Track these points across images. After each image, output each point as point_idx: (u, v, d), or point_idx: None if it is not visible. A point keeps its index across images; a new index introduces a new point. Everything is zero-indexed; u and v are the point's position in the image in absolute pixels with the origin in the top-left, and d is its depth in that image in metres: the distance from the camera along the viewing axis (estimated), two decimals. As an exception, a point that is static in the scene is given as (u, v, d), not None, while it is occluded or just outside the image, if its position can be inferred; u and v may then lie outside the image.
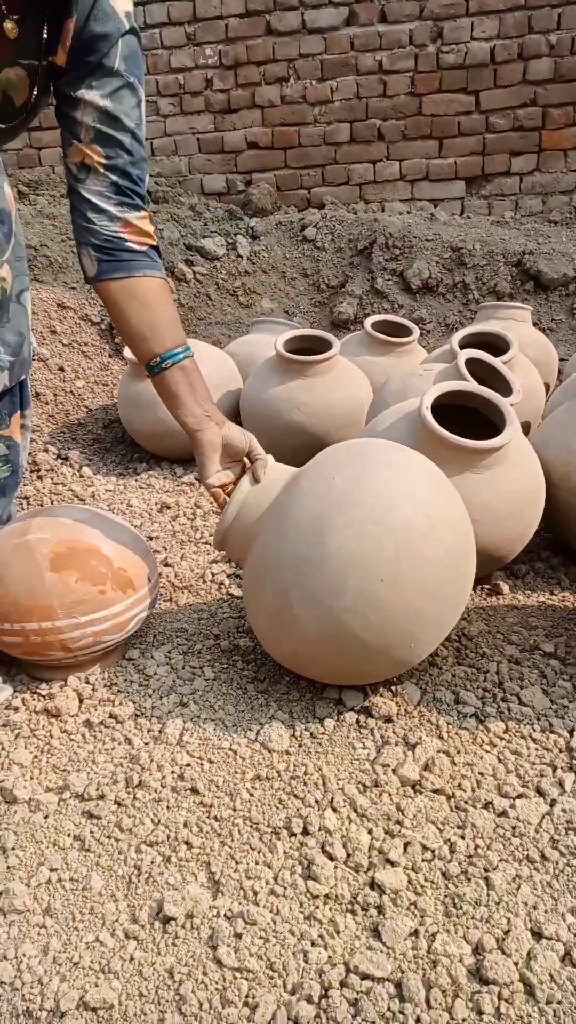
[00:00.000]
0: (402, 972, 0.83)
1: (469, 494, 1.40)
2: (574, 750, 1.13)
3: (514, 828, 1.00)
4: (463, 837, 0.99)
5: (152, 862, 0.98)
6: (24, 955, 0.87)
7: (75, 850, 1.02)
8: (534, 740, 1.17)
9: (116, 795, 1.09)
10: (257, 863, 0.97)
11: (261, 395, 2.44)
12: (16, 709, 1.31)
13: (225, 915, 0.90)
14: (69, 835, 1.04)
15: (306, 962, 0.84)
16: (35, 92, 1.10)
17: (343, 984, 0.82)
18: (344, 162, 4.31)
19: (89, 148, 1.13)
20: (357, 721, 1.23)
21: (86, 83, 1.09)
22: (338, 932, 0.88)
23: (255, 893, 0.93)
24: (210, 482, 1.27)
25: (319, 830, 1.01)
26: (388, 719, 1.23)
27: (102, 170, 1.15)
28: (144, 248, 1.21)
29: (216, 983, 0.83)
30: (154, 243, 1.23)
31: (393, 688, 1.30)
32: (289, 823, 1.03)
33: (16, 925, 0.91)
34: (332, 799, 1.06)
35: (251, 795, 1.08)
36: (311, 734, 1.20)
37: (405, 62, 4.06)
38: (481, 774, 1.10)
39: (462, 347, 2.03)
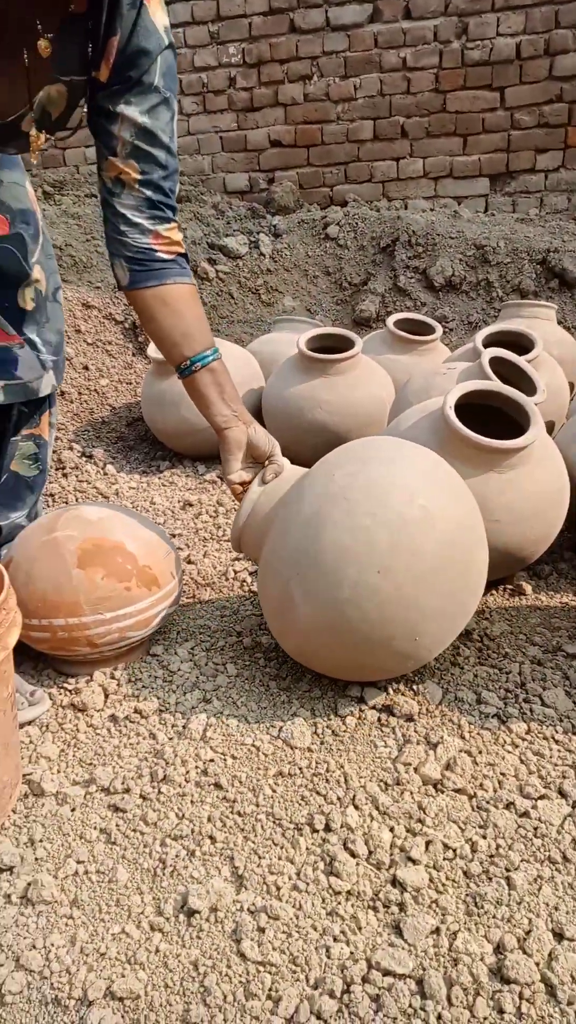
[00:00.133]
0: (423, 969, 0.83)
1: (493, 494, 1.40)
2: (597, 752, 1.13)
3: (536, 829, 1.00)
4: (484, 837, 1.00)
5: (177, 856, 1.00)
6: (52, 945, 0.89)
7: (101, 843, 1.03)
8: (556, 741, 1.17)
9: (141, 789, 1.11)
10: (280, 859, 0.98)
11: (283, 393, 2.45)
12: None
13: (249, 909, 0.91)
14: (95, 828, 1.06)
15: (328, 957, 0.85)
16: (74, 107, 1.13)
17: (365, 980, 0.83)
18: (367, 160, 4.31)
19: (125, 164, 1.15)
20: (379, 719, 1.24)
21: (125, 98, 1.11)
22: (360, 928, 0.89)
23: (278, 888, 0.94)
24: (232, 478, 1.31)
25: (341, 827, 1.02)
26: (410, 718, 1.23)
27: (137, 186, 1.17)
28: (173, 256, 1.24)
29: (240, 976, 0.84)
30: (182, 251, 1.26)
31: (415, 687, 1.30)
32: (311, 820, 1.04)
33: (44, 916, 0.93)
34: (354, 796, 1.07)
35: (274, 791, 1.10)
36: (333, 731, 1.21)
37: (429, 59, 4.04)
38: (503, 774, 1.10)
39: (486, 346, 2.03)
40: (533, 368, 1.85)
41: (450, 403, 1.42)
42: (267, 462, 1.32)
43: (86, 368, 3.19)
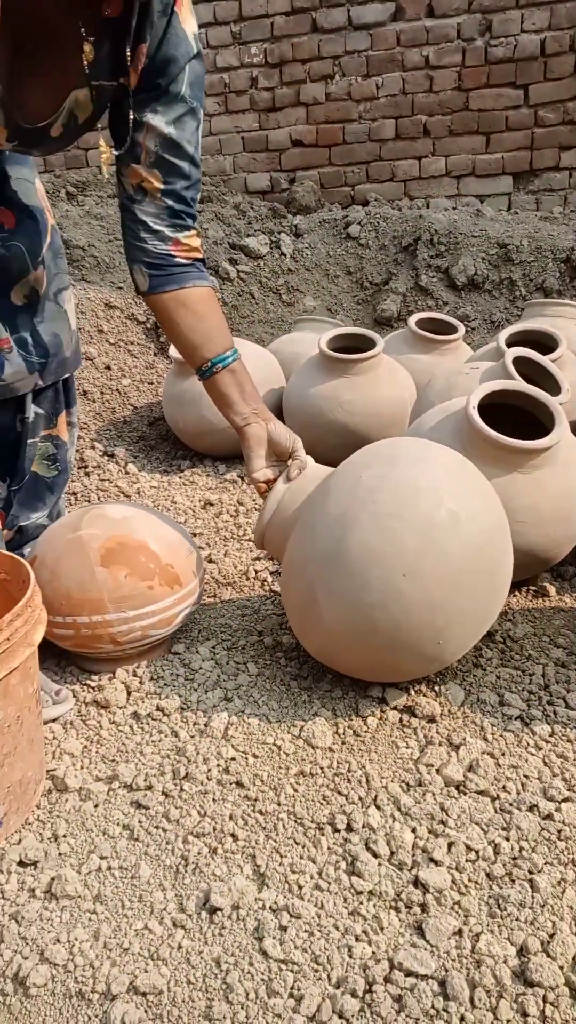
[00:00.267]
0: (446, 971, 0.83)
1: (516, 495, 1.39)
2: (622, 755, 1.12)
3: (559, 832, 0.99)
4: (508, 839, 0.99)
5: (199, 853, 1.00)
6: (76, 939, 0.90)
7: (124, 839, 1.04)
8: (580, 744, 1.16)
9: (163, 786, 1.12)
10: (301, 858, 0.99)
11: (304, 393, 2.45)
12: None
13: (270, 908, 0.92)
14: (118, 824, 1.07)
15: (350, 957, 0.85)
16: (100, 112, 1.13)
17: (387, 980, 0.83)
18: (389, 159, 4.29)
19: (148, 172, 1.16)
20: (400, 720, 1.23)
21: (151, 107, 1.11)
22: (382, 928, 0.89)
23: (300, 887, 0.94)
24: (255, 476, 1.31)
25: (363, 827, 1.02)
26: (432, 719, 1.23)
27: (159, 195, 1.18)
28: (191, 261, 1.25)
29: (262, 974, 0.84)
30: (200, 256, 1.27)
31: (436, 688, 1.30)
32: (333, 819, 1.04)
33: (68, 910, 0.94)
34: (376, 797, 1.07)
35: (295, 790, 1.10)
36: (354, 732, 1.21)
37: (452, 57, 4.02)
38: (526, 777, 1.10)
39: (509, 345, 2.01)
40: (557, 368, 1.83)
41: (473, 403, 1.41)
42: (290, 458, 1.31)
43: (108, 368, 3.22)
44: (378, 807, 1.05)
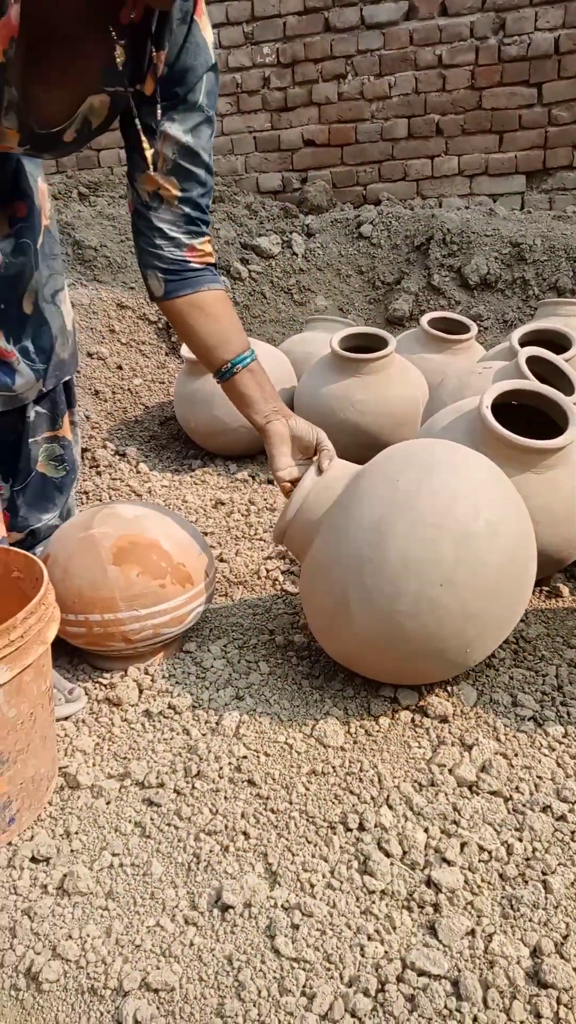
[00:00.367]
0: (459, 971, 0.83)
1: (530, 495, 1.38)
2: None
3: (573, 833, 0.99)
4: (521, 840, 0.99)
5: (211, 851, 1.00)
6: (88, 935, 0.90)
7: (136, 836, 1.04)
8: (594, 745, 1.15)
9: (175, 784, 1.12)
10: (313, 856, 0.98)
11: (316, 393, 2.45)
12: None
13: (282, 906, 0.92)
14: (130, 821, 1.07)
15: (363, 956, 0.85)
16: (114, 118, 1.13)
17: (400, 979, 0.82)
18: (401, 158, 4.28)
19: (165, 180, 1.16)
20: (412, 720, 1.23)
21: (168, 115, 1.11)
22: (394, 928, 0.88)
23: (312, 886, 0.94)
24: (281, 475, 1.27)
25: (375, 826, 1.02)
26: (444, 719, 1.22)
27: (176, 203, 1.18)
28: (204, 265, 1.25)
29: (274, 972, 0.84)
30: (213, 261, 1.27)
31: (449, 688, 1.29)
32: (345, 818, 1.04)
33: (80, 907, 0.94)
34: (388, 796, 1.07)
35: (307, 789, 1.10)
36: (366, 731, 1.21)
37: (465, 55, 4.00)
38: (539, 777, 1.09)
39: (522, 344, 2.01)
40: (571, 367, 1.82)
41: (487, 402, 1.40)
42: (316, 452, 1.29)
43: (120, 368, 3.22)
44: (390, 807, 1.05)
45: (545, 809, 1.03)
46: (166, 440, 2.98)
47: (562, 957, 0.83)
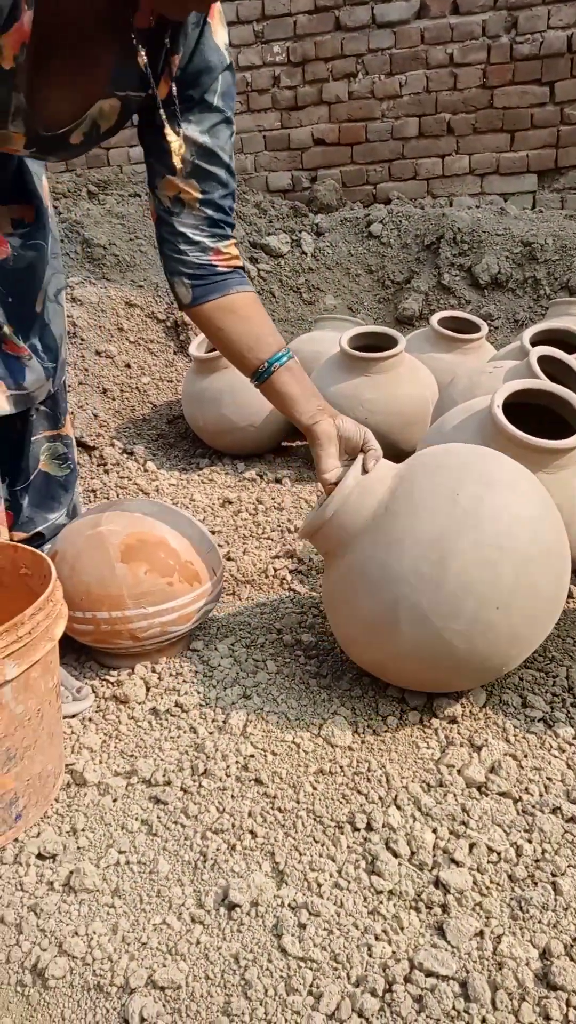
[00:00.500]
0: (467, 972, 0.82)
1: (540, 494, 1.37)
2: None
3: (583, 835, 0.98)
4: (530, 841, 0.98)
5: (217, 849, 1.00)
6: (94, 932, 0.90)
7: (142, 834, 1.04)
8: (604, 747, 1.14)
9: (182, 782, 1.12)
10: (321, 856, 0.98)
11: (325, 392, 2.44)
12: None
13: (290, 905, 0.91)
14: (137, 819, 1.07)
15: (370, 956, 0.85)
16: (124, 122, 1.12)
17: (407, 980, 0.82)
18: (412, 157, 4.27)
19: (186, 183, 1.14)
20: (421, 720, 1.22)
21: (184, 118, 1.09)
22: (402, 928, 0.88)
23: (319, 885, 0.94)
24: (327, 477, 1.20)
25: (383, 827, 1.01)
26: (453, 720, 1.22)
27: (198, 205, 1.16)
28: (232, 269, 1.23)
29: (281, 971, 0.84)
30: (240, 264, 1.24)
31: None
32: (353, 818, 1.03)
33: (86, 904, 0.94)
34: (396, 796, 1.06)
35: (314, 788, 1.09)
36: (374, 731, 1.20)
37: (477, 54, 3.99)
38: (549, 779, 1.08)
39: (533, 344, 1.99)
40: (582, 366, 1.81)
41: (498, 402, 1.39)
42: (362, 451, 1.22)
43: (128, 366, 3.23)
44: (398, 807, 1.05)
45: (555, 811, 1.02)
46: (174, 439, 2.98)
47: (571, 959, 0.83)
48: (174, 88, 1.06)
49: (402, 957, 0.84)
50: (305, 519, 1.28)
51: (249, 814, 1.05)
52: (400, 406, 2.37)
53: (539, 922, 0.87)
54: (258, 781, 1.11)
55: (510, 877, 0.93)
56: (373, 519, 1.15)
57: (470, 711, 1.24)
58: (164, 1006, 0.82)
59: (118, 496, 2.37)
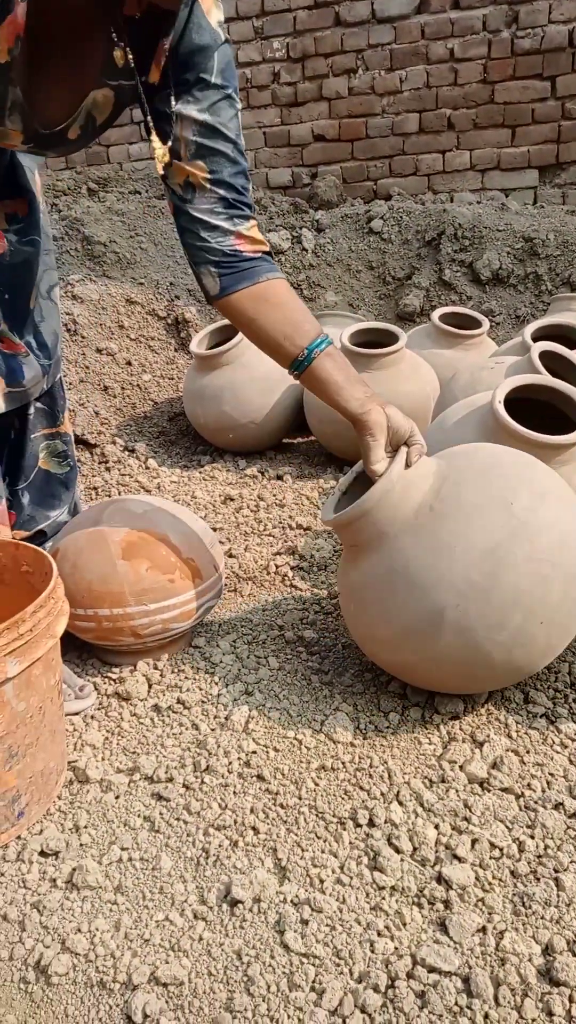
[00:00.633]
0: (470, 968, 0.82)
1: (542, 490, 1.37)
2: None
3: (586, 831, 0.98)
4: (532, 837, 0.98)
5: (220, 846, 1.00)
6: (97, 929, 0.90)
7: (145, 831, 1.04)
8: (607, 742, 1.14)
9: (184, 779, 1.12)
10: (323, 852, 0.98)
11: (326, 388, 2.43)
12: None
13: (292, 901, 0.91)
14: (139, 816, 1.07)
15: (372, 952, 0.85)
16: (120, 111, 1.11)
17: (410, 976, 0.82)
18: (412, 153, 4.26)
19: (192, 165, 1.11)
20: (422, 716, 1.22)
21: (183, 99, 1.06)
22: (404, 924, 0.88)
23: (321, 881, 0.94)
24: (376, 468, 1.13)
25: (385, 822, 1.01)
26: (455, 716, 1.21)
27: (208, 186, 1.12)
28: (259, 254, 1.18)
29: (283, 967, 0.84)
30: (267, 249, 1.19)
31: (460, 684, 1.28)
32: (355, 814, 1.03)
33: (89, 900, 0.94)
34: (398, 792, 1.06)
35: (316, 785, 1.09)
36: (376, 727, 1.20)
37: (478, 49, 3.97)
38: (551, 775, 1.08)
39: (535, 340, 1.99)
40: (583, 362, 1.80)
41: (500, 397, 1.39)
42: (408, 443, 1.16)
43: (129, 363, 3.22)
44: (400, 803, 1.04)
45: (557, 806, 1.02)
46: (175, 436, 2.98)
47: (574, 955, 0.82)
48: (167, 74, 1.05)
49: (404, 953, 0.84)
50: (329, 507, 1.22)
51: (251, 810, 1.05)
52: (401, 402, 2.33)
53: (542, 918, 0.87)
54: (260, 777, 1.11)
55: (512, 873, 0.93)
56: (415, 517, 1.12)
57: (472, 707, 1.24)
58: (167, 1002, 0.82)
59: (119, 493, 2.37)
